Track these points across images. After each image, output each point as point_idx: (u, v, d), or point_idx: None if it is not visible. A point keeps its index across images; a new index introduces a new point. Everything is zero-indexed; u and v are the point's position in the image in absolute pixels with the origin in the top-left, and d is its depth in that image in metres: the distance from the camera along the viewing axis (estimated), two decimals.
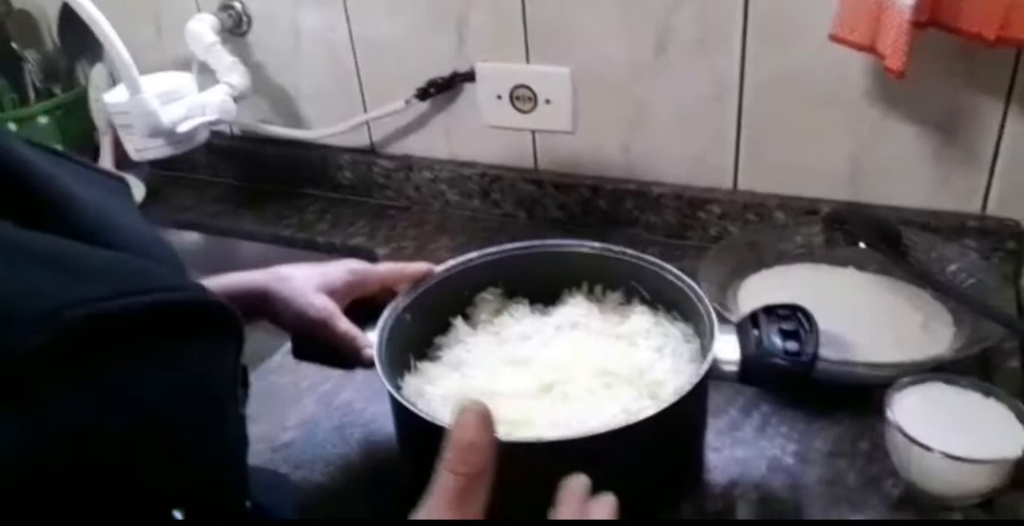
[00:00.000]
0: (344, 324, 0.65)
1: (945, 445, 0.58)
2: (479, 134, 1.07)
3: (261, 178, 1.22)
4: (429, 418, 0.56)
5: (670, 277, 0.69)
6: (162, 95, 0.98)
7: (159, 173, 1.27)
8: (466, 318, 0.73)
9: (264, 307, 0.65)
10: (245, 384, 0.45)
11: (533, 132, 1.04)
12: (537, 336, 0.70)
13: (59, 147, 1.16)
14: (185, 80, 1.04)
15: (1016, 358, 0.75)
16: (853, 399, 0.71)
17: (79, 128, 1.22)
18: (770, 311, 0.63)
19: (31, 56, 1.18)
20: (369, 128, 1.14)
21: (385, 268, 0.71)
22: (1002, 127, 0.84)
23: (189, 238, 1.18)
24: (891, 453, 0.63)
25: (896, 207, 0.91)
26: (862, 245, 0.82)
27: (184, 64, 1.09)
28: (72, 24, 1.11)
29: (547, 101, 1.00)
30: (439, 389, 0.64)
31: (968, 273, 0.79)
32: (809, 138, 0.91)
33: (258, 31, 1.12)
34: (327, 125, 1.14)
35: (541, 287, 0.74)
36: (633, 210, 1.01)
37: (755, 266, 0.85)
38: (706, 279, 0.75)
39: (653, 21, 0.91)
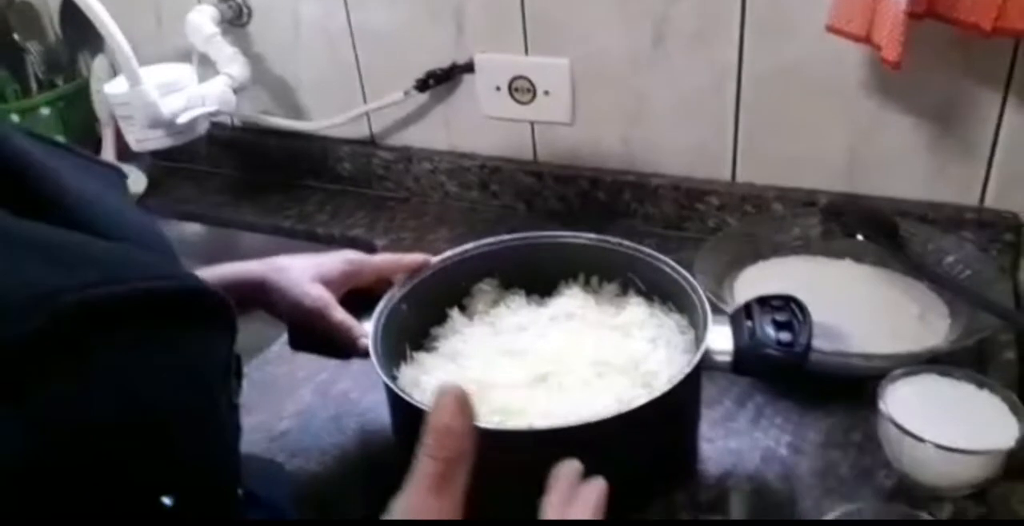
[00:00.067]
0: (340, 314, 0.65)
1: (937, 436, 0.58)
2: (478, 125, 1.07)
3: (261, 169, 1.22)
4: (425, 408, 0.55)
5: (666, 268, 0.69)
6: (162, 86, 0.99)
7: (160, 164, 1.27)
8: (462, 309, 0.73)
9: (261, 297, 0.66)
10: (239, 374, 0.45)
11: (532, 123, 1.04)
12: (533, 327, 0.70)
13: (61, 138, 1.17)
14: (185, 71, 1.04)
15: (1012, 350, 0.75)
16: (847, 390, 0.71)
17: (81, 119, 1.23)
18: (764, 302, 0.63)
19: (33, 47, 1.19)
20: (369, 119, 1.14)
21: (381, 258, 0.72)
22: (1000, 118, 0.83)
23: (190, 229, 1.19)
24: (884, 444, 0.63)
25: (893, 199, 0.91)
26: (859, 237, 0.82)
27: (184, 55, 1.09)
28: (73, 15, 1.11)
29: (546, 92, 1.00)
30: (435, 379, 0.64)
31: (965, 265, 0.79)
32: (807, 130, 0.91)
33: (258, 22, 1.12)
34: (327, 116, 1.14)
35: (538, 278, 0.74)
36: (632, 202, 1.01)
37: (752, 258, 0.85)
38: (702, 270, 0.76)
39: (651, 13, 0.91)
